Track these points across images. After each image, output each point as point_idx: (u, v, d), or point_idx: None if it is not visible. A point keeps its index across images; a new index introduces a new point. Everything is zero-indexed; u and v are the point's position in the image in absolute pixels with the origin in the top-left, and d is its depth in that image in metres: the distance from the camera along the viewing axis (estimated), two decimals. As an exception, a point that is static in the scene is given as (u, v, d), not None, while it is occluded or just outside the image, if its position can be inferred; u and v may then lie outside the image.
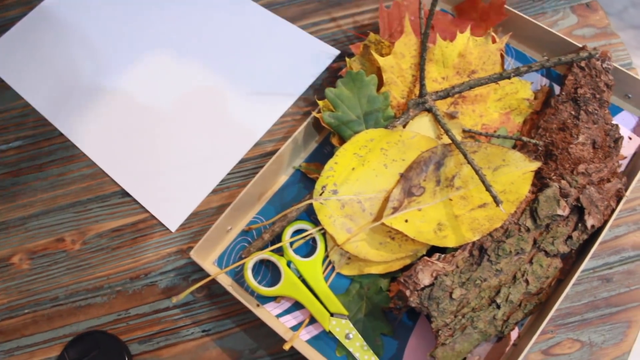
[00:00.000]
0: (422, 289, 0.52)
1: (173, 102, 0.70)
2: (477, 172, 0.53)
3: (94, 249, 0.63)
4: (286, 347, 0.53)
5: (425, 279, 0.52)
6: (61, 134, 0.70)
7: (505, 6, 0.65)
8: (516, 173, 0.56)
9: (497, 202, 0.52)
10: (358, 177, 0.57)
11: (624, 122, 0.64)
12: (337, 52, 0.72)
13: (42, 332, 0.60)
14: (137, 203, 0.65)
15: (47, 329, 0.60)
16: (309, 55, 0.72)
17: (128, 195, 0.65)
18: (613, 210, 0.56)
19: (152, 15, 0.77)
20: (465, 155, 0.54)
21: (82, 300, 0.61)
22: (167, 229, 0.63)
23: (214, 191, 0.65)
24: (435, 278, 0.53)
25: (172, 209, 0.64)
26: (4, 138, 0.70)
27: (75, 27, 0.77)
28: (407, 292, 0.52)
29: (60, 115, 0.71)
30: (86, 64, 0.74)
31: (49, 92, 0.72)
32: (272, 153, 0.66)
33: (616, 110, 0.65)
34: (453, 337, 0.51)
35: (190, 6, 0.77)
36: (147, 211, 0.65)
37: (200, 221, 0.64)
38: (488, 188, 0.52)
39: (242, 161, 0.66)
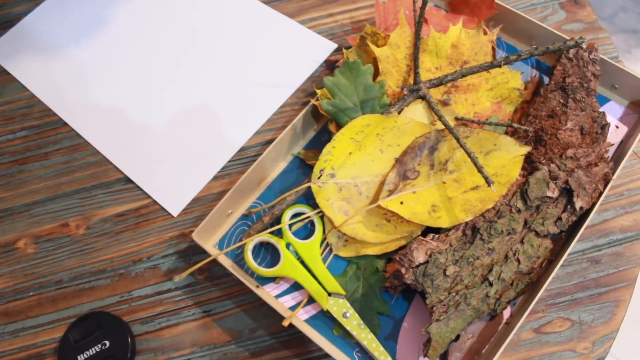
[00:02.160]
0: (417, 266, 0.54)
1: (176, 92, 0.73)
2: (469, 154, 0.55)
3: (97, 234, 0.65)
4: (285, 323, 0.55)
5: (420, 256, 0.54)
6: (66, 124, 0.72)
7: (496, 1, 0.68)
8: (507, 157, 0.58)
9: (488, 182, 0.54)
10: (355, 162, 0.59)
11: (611, 111, 0.67)
12: (334, 45, 0.74)
13: (46, 314, 0.61)
14: (140, 189, 0.67)
15: (52, 311, 0.61)
16: (307, 48, 0.74)
17: (131, 181, 0.67)
18: (601, 193, 0.58)
19: (156, 8, 0.79)
20: (457, 140, 0.56)
21: (85, 283, 0.63)
22: (169, 213, 0.65)
23: (215, 178, 0.67)
24: (430, 256, 0.54)
25: (174, 195, 0.66)
26: (11, 128, 0.72)
27: (79, 21, 0.79)
28: (403, 270, 0.54)
29: (65, 105, 0.73)
30: (90, 56, 0.76)
31: (53, 84, 0.74)
32: (272, 141, 0.68)
33: (604, 100, 0.67)
34: (447, 314, 0.53)
35: (193, 2, 0.79)
36: (149, 197, 0.66)
37: (202, 206, 0.65)
38: (480, 169, 0.54)
39: (242, 149, 0.68)
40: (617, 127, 0.66)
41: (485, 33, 0.66)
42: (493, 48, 0.66)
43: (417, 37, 0.61)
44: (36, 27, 0.79)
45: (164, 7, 0.79)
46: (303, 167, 0.65)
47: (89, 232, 0.65)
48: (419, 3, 0.68)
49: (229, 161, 0.68)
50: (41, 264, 0.64)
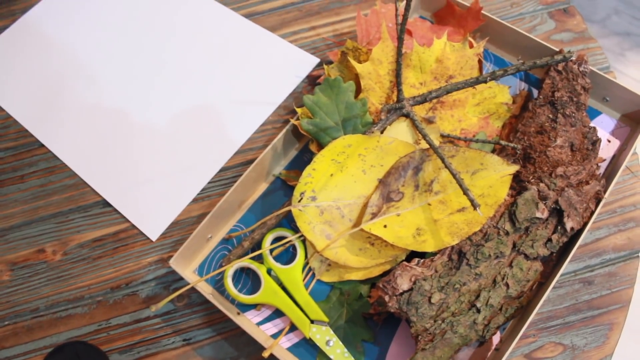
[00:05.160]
0: (401, 294, 0.52)
1: (153, 111, 0.71)
2: (454, 175, 0.53)
3: (75, 260, 0.63)
4: (265, 354, 0.53)
5: (404, 283, 0.52)
6: (42, 145, 0.70)
7: (483, 12, 0.66)
8: (494, 176, 0.56)
9: (474, 205, 0.52)
10: (336, 184, 0.57)
11: (602, 125, 0.65)
12: (316, 60, 0.72)
13: (22, 344, 0.59)
14: (118, 213, 0.65)
15: (27, 341, 0.60)
16: (289, 63, 0.72)
17: (109, 205, 0.65)
18: (592, 213, 0.56)
19: (133, 25, 0.77)
20: (442, 159, 0.54)
21: (62, 311, 0.61)
22: (148, 238, 0.63)
23: (195, 200, 0.65)
24: (414, 283, 0.52)
25: (152, 219, 0.64)
26: (-14, 150, 0.70)
27: (56, 39, 0.77)
28: (386, 298, 0.52)
29: (42, 126, 0.71)
30: (67, 76, 0.74)
31: (30, 104, 0.72)
32: (253, 161, 0.66)
33: (595, 113, 0.65)
34: (433, 342, 0.51)
35: (171, 16, 0.77)
36: (128, 221, 0.64)
37: (181, 230, 0.63)
38: (465, 192, 0.52)
39: (222, 170, 0.66)
40: (609, 141, 0.64)
41: (471, 46, 0.64)
42: (480, 61, 0.64)
43: (398, 53, 0.58)
44: (12, 45, 0.77)
45: (141, 23, 0.77)
46: (285, 188, 0.63)
47: (66, 257, 0.63)
48: (401, 17, 0.66)
49: (209, 182, 0.66)
50: (17, 292, 0.62)
